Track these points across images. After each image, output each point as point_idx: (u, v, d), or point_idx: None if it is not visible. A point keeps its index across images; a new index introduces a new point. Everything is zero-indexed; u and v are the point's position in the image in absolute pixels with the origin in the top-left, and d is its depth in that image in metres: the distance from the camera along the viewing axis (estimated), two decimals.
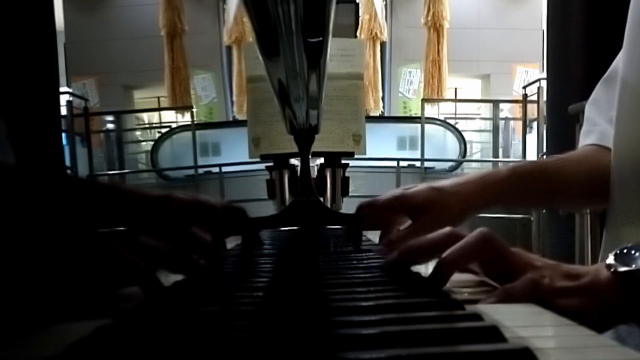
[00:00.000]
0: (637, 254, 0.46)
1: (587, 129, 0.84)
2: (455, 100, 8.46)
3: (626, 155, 0.71)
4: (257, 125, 1.34)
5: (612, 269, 0.45)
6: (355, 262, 0.61)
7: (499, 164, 6.86)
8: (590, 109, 0.85)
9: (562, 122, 2.73)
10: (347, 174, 1.35)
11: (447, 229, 0.51)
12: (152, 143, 6.89)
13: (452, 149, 6.56)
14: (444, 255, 0.48)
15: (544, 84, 4.89)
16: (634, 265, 0.44)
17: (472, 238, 0.48)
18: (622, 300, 0.45)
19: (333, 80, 1.27)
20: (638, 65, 0.69)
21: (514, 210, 4.23)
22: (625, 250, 0.47)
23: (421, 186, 0.75)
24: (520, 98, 6.48)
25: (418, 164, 6.17)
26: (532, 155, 6.04)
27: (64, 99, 5.71)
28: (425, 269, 0.58)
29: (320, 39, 0.56)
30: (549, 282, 0.46)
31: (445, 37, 7.66)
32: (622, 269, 0.45)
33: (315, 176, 1.30)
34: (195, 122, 6.73)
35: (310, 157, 1.12)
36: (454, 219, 0.72)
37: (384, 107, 7.88)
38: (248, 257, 0.66)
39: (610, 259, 0.47)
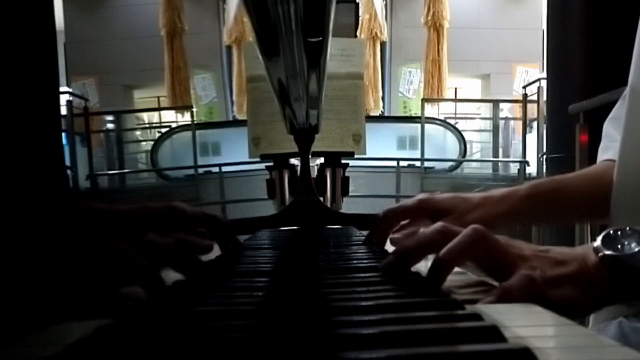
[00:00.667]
0: (623, 238, 0.46)
1: (605, 145, 0.84)
2: (455, 100, 8.46)
3: (631, 163, 0.71)
4: (257, 125, 1.34)
5: (599, 253, 0.46)
6: (355, 261, 0.61)
7: (499, 164, 6.86)
8: (609, 125, 0.85)
9: (562, 122, 2.73)
10: (347, 174, 1.35)
11: (439, 224, 0.51)
12: (152, 143, 6.89)
13: (452, 149, 6.56)
14: (440, 253, 0.48)
15: (544, 83, 4.89)
16: (619, 249, 0.45)
17: (466, 235, 0.48)
18: (609, 283, 0.46)
19: (333, 80, 1.27)
20: None
21: None
22: (612, 233, 0.47)
23: (447, 193, 0.77)
24: (520, 98, 6.48)
25: (418, 163, 6.17)
26: (532, 155, 6.04)
27: (63, 99, 5.71)
28: (425, 266, 0.58)
29: (320, 38, 0.56)
30: (540, 273, 0.46)
31: (445, 37, 7.66)
32: (609, 252, 0.45)
33: (315, 176, 1.30)
34: (195, 122, 6.73)
35: (310, 156, 1.12)
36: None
37: (384, 107, 7.88)
38: (229, 262, 0.65)
39: (598, 242, 0.47)
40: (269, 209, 1.36)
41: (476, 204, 0.75)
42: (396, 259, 0.51)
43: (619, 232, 0.47)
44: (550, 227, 2.72)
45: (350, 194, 1.36)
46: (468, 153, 6.85)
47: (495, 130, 6.81)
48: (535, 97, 5.81)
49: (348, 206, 1.35)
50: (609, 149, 0.83)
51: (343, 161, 1.35)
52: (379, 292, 0.42)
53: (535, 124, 5.95)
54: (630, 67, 0.75)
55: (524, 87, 6.35)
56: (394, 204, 0.78)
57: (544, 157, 3.29)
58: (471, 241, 0.48)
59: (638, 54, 0.74)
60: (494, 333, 0.29)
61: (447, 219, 0.71)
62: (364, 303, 0.38)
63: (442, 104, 7.95)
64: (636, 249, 0.45)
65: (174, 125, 7.54)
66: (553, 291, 0.46)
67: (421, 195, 0.78)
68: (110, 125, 7.50)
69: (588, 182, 0.80)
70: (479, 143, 7.56)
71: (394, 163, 5.83)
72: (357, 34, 7.39)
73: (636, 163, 0.71)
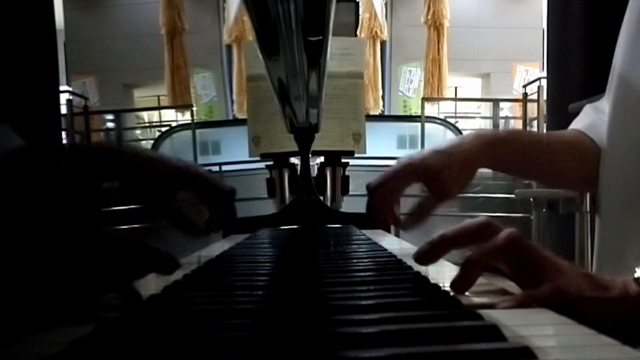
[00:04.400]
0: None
1: (579, 118, 0.86)
2: (456, 99, 8.46)
3: (619, 151, 0.72)
4: (257, 124, 1.34)
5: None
6: (355, 260, 0.61)
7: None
8: (589, 107, 0.87)
9: (562, 121, 2.72)
10: (347, 173, 1.35)
11: (482, 219, 0.51)
12: (152, 142, 6.88)
13: None
14: (471, 254, 0.47)
15: (544, 82, 4.88)
16: None
17: (501, 239, 0.47)
18: None
19: (333, 79, 1.27)
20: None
21: (514, 210, 4.23)
22: None
23: (424, 152, 0.78)
24: (521, 97, 6.47)
25: None
26: None
27: (64, 98, 5.70)
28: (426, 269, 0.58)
29: (320, 37, 0.56)
30: (576, 290, 0.45)
31: (445, 36, 7.65)
32: None
33: (315, 175, 1.30)
34: (195, 121, 6.72)
35: (310, 155, 1.12)
36: (464, 177, 0.75)
37: (384, 106, 7.87)
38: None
39: (639, 273, 0.47)
40: (269, 208, 1.36)
41: (459, 152, 0.76)
42: (433, 247, 0.50)
43: None
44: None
45: (350, 192, 1.36)
46: None
47: (495, 129, 6.81)
48: (535, 96, 5.80)
49: (348, 205, 1.35)
50: (580, 121, 0.85)
51: (343, 160, 1.34)
52: (379, 291, 0.42)
53: (535, 123, 5.95)
54: (616, 53, 0.75)
55: (524, 86, 6.34)
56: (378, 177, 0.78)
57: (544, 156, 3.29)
58: (505, 246, 0.47)
59: (624, 42, 0.74)
60: (494, 332, 0.29)
61: (443, 178, 0.73)
62: (363, 302, 0.38)
63: (442, 103, 7.94)
64: None
65: (174, 124, 7.52)
66: (590, 312, 0.45)
67: (401, 161, 0.78)
68: (110, 124, 7.50)
69: (565, 147, 0.81)
70: None
71: (394, 162, 5.82)
72: (357, 32, 7.38)
73: (625, 150, 0.71)
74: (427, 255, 0.51)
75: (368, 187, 0.76)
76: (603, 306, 0.46)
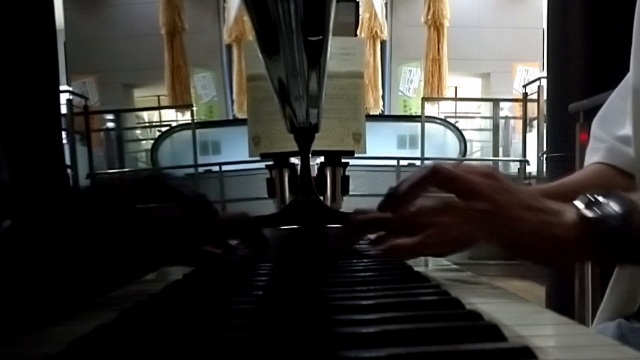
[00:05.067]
0: (605, 200, 0.47)
1: (593, 146, 0.83)
2: (456, 99, 8.46)
3: None
4: (257, 123, 1.34)
5: (579, 213, 0.47)
6: (355, 260, 0.61)
7: (499, 163, 6.86)
8: (596, 125, 0.84)
9: (562, 121, 2.72)
10: (347, 173, 1.35)
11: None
12: (152, 142, 6.88)
13: (452, 148, 6.56)
14: (400, 189, 0.54)
15: (544, 82, 4.88)
16: (599, 212, 0.46)
17: (422, 170, 0.53)
18: (584, 242, 0.46)
19: (333, 78, 1.27)
20: None
21: None
22: (595, 197, 0.48)
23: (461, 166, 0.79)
24: (521, 97, 6.48)
25: (418, 162, 6.16)
26: (532, 154, 6.04)
27: (64, 98, 5.71)
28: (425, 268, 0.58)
29: (321, 37, 0.56)
30: (494, 209, 0.47)
31: (445, 36, 7.65)
32: (589, 215, 0.47)
33: (315, 175, 1.30)
34: (195, 121, 6.72)
35: (310, 155, 1.12)
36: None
37: (384, 106, 7.88)
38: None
39: (579, 202, 0.48)
40: (269, 208, 1.36)
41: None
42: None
43: (600, 196, 0.48)
44: None
45: (350, 192, 1.36)
46: (468, 152, 6.85)
47: (495, 129, 6.81)
48: (535, 96, 5.81)
49: (348, 205, 1.35)
50: (597, 151, 0.82)
51: (343, 160, 1.34)
52: (379, 291, 0.42)
53: (535, 122, 5.95)
54: (631, 66, 0.75)
55: (524, 86, 6.35)
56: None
57: (544, 156, 3.29)
58: (425, 174, 0.52)
59: (636, 55, 0.74)
60: (494, 332, 0.29)
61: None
62: (363, 302, 0.38)
63: (442, 102, 7.94)
64: (617, 210, 0.46)
65: (174, 124, 7.53)
66: (515, 233, 0.47)
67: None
68: (110, 124, 7.50)
69: (578, 190, 0.80)
70: (479, 142, 7.56)
71: (394, 162, 5.82)
72: (358, 32, 7.38)
73: None
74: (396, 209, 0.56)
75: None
76: (527, 228, 0.47)
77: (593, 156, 0.82)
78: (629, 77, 0.76)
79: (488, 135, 7.02)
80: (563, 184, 0.80)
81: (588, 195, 0.48)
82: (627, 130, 0.76)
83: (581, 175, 0.82)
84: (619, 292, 0.74)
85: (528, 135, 6.36)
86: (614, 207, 0.46)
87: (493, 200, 0.48)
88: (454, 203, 0.51)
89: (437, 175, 0.51)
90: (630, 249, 0.45)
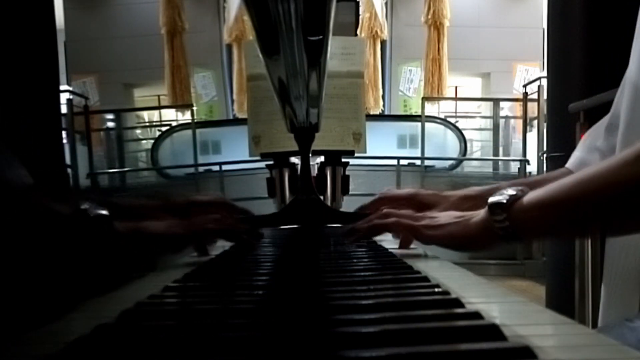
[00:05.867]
0: (507, 190, 0.61)
1: (573, 153, 0.98)
2: (456, 99, 8.45)
3: None
4: (257, 123, 1.34)
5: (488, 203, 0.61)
6: (355, 260, 0.61)
7: (499, 163, 6.86)
8: (585, 136, 0.97)
9: (562, 121, 2.72)
10: (347, 173, 1.35)
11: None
12: (152, 141, 6.88)
13: (452, 148, 6.55)
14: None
15: (544, 82, 4.88)
16: (499, 198, 0.60)
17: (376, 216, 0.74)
18: (490, 225, 0.60)
19: (333, 78, 1.27)
20: None
21: None
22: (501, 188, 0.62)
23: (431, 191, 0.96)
24: (521, 96, 6.47)
25: (418, 162, 6.16)
26: (532, 153, 6.04)
27: (64, 97, 5.71)
28: (425, 266, 0.58)
29: (321, 37, 0.56)
30: (427, 222, 0.67)
31: (445, 36, 7.64)
32: (491, 199, 0.60)
33: (315, 174, 1.30)
34: (195, 121, 6.72)
35: (310, 155, 1.12)
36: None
37: (384, 106, 7.87)
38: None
39: (490, 198, 0.61)
40: (269, 207, 1.36)
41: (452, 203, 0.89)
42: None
43: (507, 188, 0.61)
44: None
45: (350, 192, 1.36)
46: (468, 152, 6.85)
47: (495, 128, 6.81)
48: (535, 96, 5.80)
49: (348, 205, 1.35)
50: (571, 158, 0.96)
51: (343, 160, 1.34)
52: (379, 291, 0.42)
53: (535, 122, 5.95)
54: (631, 63, 0.76)
55: (525, 86, 6.34)
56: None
57: (544, 155, 3.29)
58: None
59: (638, 52, 0.74)
60: (494, 331, 0.29)
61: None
62: (363, 302, 0.38)
63: (442, 102, 7.93)
64: (509, 193, 0.60)
65: (174, 123, 7.53)
66: (442, 232, 0.65)
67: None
68: (110, 124, 7.49)
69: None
70: (479, 142, 7.55)
71: (395, 162, 5.82)
72: (358, 32, 7.38)
73: None
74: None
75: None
76: (448, 226, 0.65)
77: (569, 162, 0.96)
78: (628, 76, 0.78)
79: (488, 135, 7.02)
80: (539, 181, 0.90)
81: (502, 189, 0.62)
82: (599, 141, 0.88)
83: (544, 177, 0.98)
84: (620, 294, 0.75)
85: (528, 134, 6.36)
86: (509, 192, 0.60)
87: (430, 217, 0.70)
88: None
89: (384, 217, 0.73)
90: (511, 226, 0.58)
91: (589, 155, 0.90)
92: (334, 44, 0.92)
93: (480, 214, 0.62)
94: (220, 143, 6.54)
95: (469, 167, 6.92)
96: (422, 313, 0.34)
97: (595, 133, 0.91)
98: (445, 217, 0.66)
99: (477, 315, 0.33)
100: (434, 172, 6.19)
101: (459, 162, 6.53)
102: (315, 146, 1.12)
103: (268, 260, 0.63)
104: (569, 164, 0.94)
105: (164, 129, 7.23)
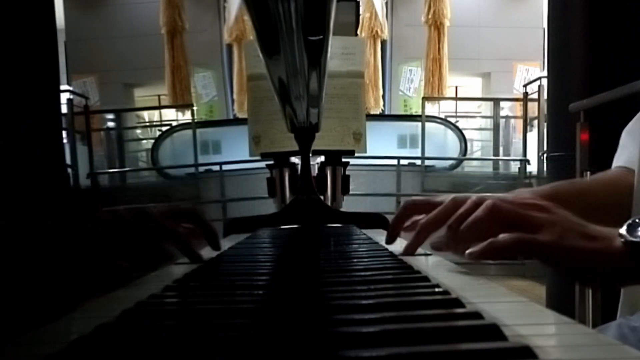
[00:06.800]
0: None
1: (619, 152, 0.90)
2: (456, 99, 8.45)
3: None
4: (257, 123, 1.34)
5: (623, 239, 0.51)
6: (355, 260, 0.61)
7: (499, 162, 6.86)
8: (625, 135, 0.90)
9: (562, 121, 2.72)
10: (347, 172, 1.35)
11: (447, 198, 0.59)
12: (152, 141, 6.89)
13: (452, 148, 6.56)
14: (461, 228, 0.55)
15: (544, 82, 4.88)
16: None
17: (481, 211, 0.54)
18: (628, 267, 0.50)
19: (333, 78, 1.27)
20: None
21: None
22: (637, 221, 0.52)
23: (476, 196, 0.80)
24: (521, 96, 6.48)
25: (418, 162, 6.16)
26: (532, 153, 6.04)
27: (64, 97, 5.71)
28: (426, 264, 0.58)
29: (321, 37, 0.56)
30: (549, 239, 0.51)
31: (445, 35, 7.65)
32: (631, 238, 0.51)
33: (315, 174, 1.30)
34: (195, 120, 6.73)
35: (310, 155, 1.12)
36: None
37: (384, 106, 7.87)
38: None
39: (623, 229, 0.52)
40: (269, 207, 1.36)
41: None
42: (417, 237, 0.59)
43: None
44: None
45: (350, 192, 1.36)
46: (469, 151, 6.85)
47: (495, 128, 6.81)
48: (535, 96, 5.81)
49: (348, 204, 1.35)
50: (621, 156, 0.88)
51: (343, 159, 1.34)
52: (379, 290, 0.42)
53: (535, 122, 5.95)
54: None
55: (525, 86, 6.35)
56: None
57: (545, 155, 3.29)
58: (487, 214, 0.54)
59: None
60: (494, 331, 0.29)
61: None
62: (363, 302, 0.38)
63: (442, 102, 7.94)
64: None
65: (174, 123, 7.53)
66: (570, 260, 0.51)
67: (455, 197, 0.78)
68: (110, 124, 7.50)
69: (605, 187, 0.85)
70: (479, 141, 7.56)
71: (395, 161, 5.83)
72: (358, 32, 7.37)
73: None
74: (413, 246, 0.59)
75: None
76: (581, 255, 0.51)
77: (617, 161, 0.88)
78: None
79: (488, 135, 7.02)
80: (594, 181, 0.88)
81: (631, 221, 0.53)
82: None
83: (606, 175, 0.87)
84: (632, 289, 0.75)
85: (528, 134, 6.36)
86: None
87: (553, 233, 0.52)
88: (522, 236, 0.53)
89: (497, 215, 0.54)
90: None
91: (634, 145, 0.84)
92: (334, 44, 0.92)
93: (614, 243, 0.51)
94: (221, 143, 6.54)
95: (469, 167, 6.92)
96: (423, 313, 0.34)
97: (632, 130, 0.87)
98: (566, 227, 0.52)
99: (477, 315, 0.33)
100: (434, 172, 6.20)
101: (459, 162, 6.53)
102: (315, 146, 1.12)
103: (268, 260, 0.63)
104: (624, 162, 0.86)
105: (164, 128, 7.24)
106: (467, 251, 0.52)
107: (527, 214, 0.53)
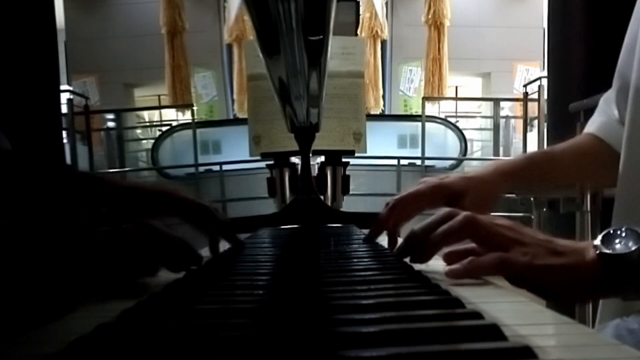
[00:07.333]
0: (621, 237, 0.49)
1: (592, 118, 0.93)
2: (456, 99, 8.45)
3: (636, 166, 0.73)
4: (257, 123, 1.34)
5: (597, 251, 0.49)
6: (355, 260, 0.61)
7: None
8: (602, 101, 0.93)
9: (563, 121, 2.72)
10: (347, 172, 1.35)
11: (446, 209, 0.57)
12: (152, 141, 6.88)
13: (452, 148, 6.55)
14: (431, 236, 0.54)
15: (544, 82, 4.88)
16: (616, 247, 0.49)
17: (457, 221, 0.53)
18: (603, 279, 0.49)
19: (333, 78, 1.27)
20: None
21: (515, 209, 4.22)
22: (611, 232, 0.50)
23: (453, 176, 0.82)
24: (521, 96, 6.47)
25: (419, 162, 6.16)
26: None
27: (64, 97, 5.70)
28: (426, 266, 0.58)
29: (321, 37, 0.56)
30: (524, 260, 0.50)
31: (445, 35, 7.64)
32: (606, 250, 0.49)
33: (315, 174, 1.30)
34: (195, 120, 6.72)
35: (310, 155, 1.12)
36: (485, 205, 0.80)
37: (384, 106, 7.87)
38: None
39: (598, 241, 0.50)
40: (269, 207, 1.36)
41: (482, 180, 0.81)
42: (407, 243, 0.57)
43: (618, 232, 0.50)
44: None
45: (350, 192, 1.36)
46: (469, 152, 6.84)
47: (496, 128, 6.80)
48: (536, 96, 5.80)
49: (348, 204, 1.35)
50: (594, 123, 0.91)
51: (344, 159, 1.34)
52: (379, 290, 0.42)
53: (536, 122, 5.94)
54: (634, 65, 0.76)
55: (525, 86, 6.34)
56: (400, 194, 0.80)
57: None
58: (461, 226, 0.53)
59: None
60: (495, 331, 0.29)
61: (465, 203, 0.76)
62: (364, 302, 0.38)
63: (442, 102, 7.93)
64: (632, 248, 0.48)
65: (174, 123, 7.52)
66: (543, 280, 0.50)
67: (430, 181, 0.80)
68: (110, 124, 7.49)
69: (574, 154, 0.89)
70: (479, 142, 7.55)
71: (395, 161, 5.82)
72: (358, 32, 7.37)
73: None
74: (425, 256, 0.57)
75: (388, 203, 0.78)
76: (555, 273, 0.50)
77: (590, 126, 0.91)
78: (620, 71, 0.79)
79: (489, 135, 7.02)
80: (547, 153, 0.94)
81: (607, 232, 0.51)
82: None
83: (569, 144, 0.90)
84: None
85: (529, 134, 6.36)
86: (629, 244, 0.48)
87: (524, 254, 0.51)
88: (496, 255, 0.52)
89: (472, 228, 0.53)
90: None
91: (611, 121, 0.87)
92: (334, 44, 0.92)
93: (587, 256, 0.50)
94: (221, 143, 6.54)
95: (469, 167, 6.91)
96: (423, 313, 0.34)
97: (608, 98, 0.90)
98: (536, 247, 0.51)
99: (477, 315, 0.33)
100: (434, 172, 6.19)
101: (459, 162, 6.53)
102: (315, 146, 1.12)
103: (268, 260, 0.63)
104: (593, 130, 0.89)
105: (164, 128, 7.23)
106: (447, 268, 0.52)
107: (499, 232, 0.52)
